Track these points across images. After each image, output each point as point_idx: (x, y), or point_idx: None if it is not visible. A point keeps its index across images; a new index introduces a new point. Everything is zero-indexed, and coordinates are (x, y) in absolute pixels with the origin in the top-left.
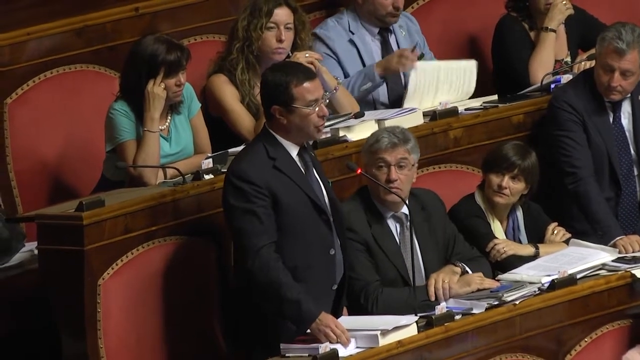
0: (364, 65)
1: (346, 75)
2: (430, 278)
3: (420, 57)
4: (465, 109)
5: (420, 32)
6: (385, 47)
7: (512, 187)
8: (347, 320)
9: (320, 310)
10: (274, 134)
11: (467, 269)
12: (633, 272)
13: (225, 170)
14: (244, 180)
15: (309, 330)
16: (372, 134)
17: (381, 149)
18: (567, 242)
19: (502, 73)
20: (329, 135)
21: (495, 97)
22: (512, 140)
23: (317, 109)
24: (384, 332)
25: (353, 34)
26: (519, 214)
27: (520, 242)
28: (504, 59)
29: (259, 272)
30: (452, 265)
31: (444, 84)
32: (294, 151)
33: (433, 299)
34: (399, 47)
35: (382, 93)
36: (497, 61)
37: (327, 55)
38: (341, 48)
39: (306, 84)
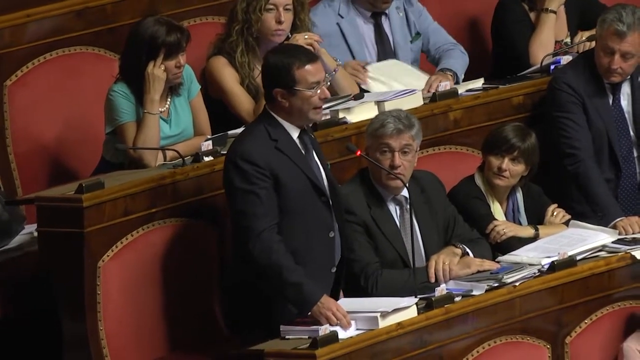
0: (350, 50)
1: None
2: (431, 260)
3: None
4: (466, 90)
5: (422, 12)
6: (379, 31)
7: (512, 169)
8: (347, 302)
9: (322, 293)
10: (275, 116)
11: (468, 250)
12: (633, 253)
13: (225, 152)
14: (247, 161)
15: (309, 313)
16: (377, 118)
17: (386, 135)
18: (567, 223)
19: (501, 54)
20: (328, 117)
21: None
22: (512, 121)
23: (318, 91)
24: (384, 314)
25: (342, 17)
26: (519, 195)
27: (520, 223)
28: (504, 40)
29: (260, 254)
30: (452, 247)
31: (406, 73)
32: (294, 133)
33: (433, 280)
34: (392, 31)
35: None
36: (496, 42)
37: None
38: (325, 33)
39: (308, 67)
